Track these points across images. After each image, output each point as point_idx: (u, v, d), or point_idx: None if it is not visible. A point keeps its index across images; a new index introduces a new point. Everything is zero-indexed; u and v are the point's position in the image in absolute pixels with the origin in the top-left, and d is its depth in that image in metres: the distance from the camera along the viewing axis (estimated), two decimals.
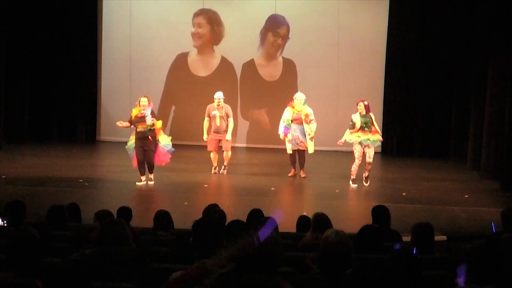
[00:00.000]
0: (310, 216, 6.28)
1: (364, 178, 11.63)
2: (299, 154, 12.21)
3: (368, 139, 11.40)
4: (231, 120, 12.34)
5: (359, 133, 11.40)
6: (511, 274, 3.59)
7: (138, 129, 11.02)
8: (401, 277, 3.88)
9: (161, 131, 11.37)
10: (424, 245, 5.22)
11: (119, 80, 16.90)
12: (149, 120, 10.90)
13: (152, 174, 11.28)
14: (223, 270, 2.73)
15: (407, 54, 15.97)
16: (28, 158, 13.78)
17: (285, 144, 12.26)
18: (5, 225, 5.92)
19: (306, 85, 15.72)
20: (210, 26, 16.65)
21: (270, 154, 14.99)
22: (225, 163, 12.43)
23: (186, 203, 9.73)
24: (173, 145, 11.56)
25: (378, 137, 11.61)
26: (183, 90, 16.78)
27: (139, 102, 11.12)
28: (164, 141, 11.29)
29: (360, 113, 11.46)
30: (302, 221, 6.75)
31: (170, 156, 11.40)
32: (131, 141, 11.24)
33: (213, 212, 6.23)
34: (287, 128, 12.06)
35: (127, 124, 11.18)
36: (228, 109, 12.36)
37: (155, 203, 9.92)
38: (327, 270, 3.91)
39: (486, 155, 12.68)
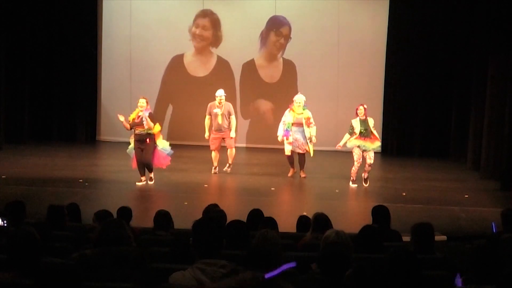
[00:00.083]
0: (310, 216, 6.27)
1: (363, 179, 11.62)
2: (299, 154, 12.21)
3: (367, 146, 11.37)
4: (233, 117, 12.34)
5: (359, 140, 11.38)
6: (511, 274, 3.59)
7: (136, 132, 11.10)
8: (401, 277, 3.87)
9: (160, 135, 11.39)
10: (424, 245, 5.21)
11: (119, 80, 16.89)
12: (145, 124, 10.93)
13: (152, 174, 11.29)
14: (223, 270, 2.74)
15: (407, 54, 15.96)
16: (28, 158, 13.77)
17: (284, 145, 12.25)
18: (5, 225, 5.92)
19: (306, 85, 15.73)
20: (214, 29, 16.65)
21: (270, 154, 14.97)
22: (230, 161, 12.41)
23: (186, 203, 9.72)
24: (173, 145, 11.58)
25: (377, 144, 11.59)
26: (181, 90, 16.76)
27: (138, 103, 11.17)
28: (162, 145, 11.32)
29: (360, 118, 11.44)
30: (302, 221, 6.74)
31: (170, 158, 11.43)
32: (132, 144, 11.31)
33: (213, 212, 6.23)
34: (288, 131, 12.03)
35: (126, 125, 11.20)
36: (230, 107, 12.36)
37: (155, 203, 9.93)
38: (327, 270, 3.91)
39: (486, 155, 12.68)
